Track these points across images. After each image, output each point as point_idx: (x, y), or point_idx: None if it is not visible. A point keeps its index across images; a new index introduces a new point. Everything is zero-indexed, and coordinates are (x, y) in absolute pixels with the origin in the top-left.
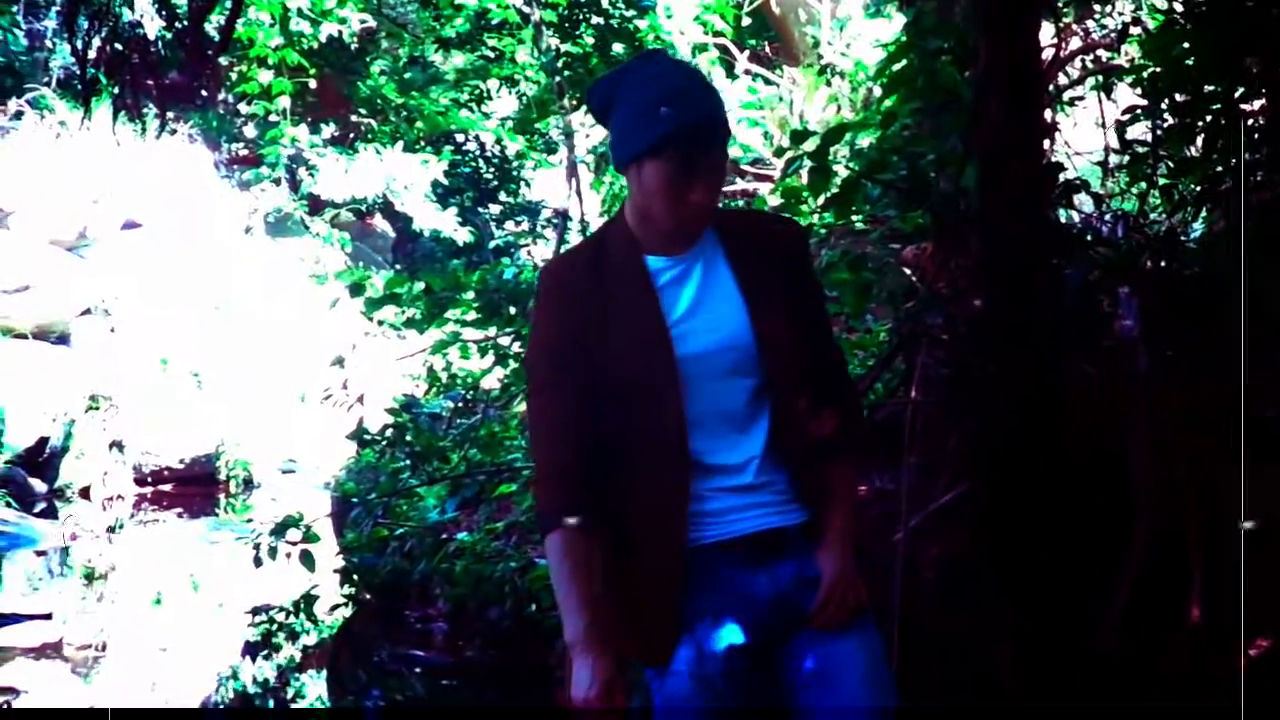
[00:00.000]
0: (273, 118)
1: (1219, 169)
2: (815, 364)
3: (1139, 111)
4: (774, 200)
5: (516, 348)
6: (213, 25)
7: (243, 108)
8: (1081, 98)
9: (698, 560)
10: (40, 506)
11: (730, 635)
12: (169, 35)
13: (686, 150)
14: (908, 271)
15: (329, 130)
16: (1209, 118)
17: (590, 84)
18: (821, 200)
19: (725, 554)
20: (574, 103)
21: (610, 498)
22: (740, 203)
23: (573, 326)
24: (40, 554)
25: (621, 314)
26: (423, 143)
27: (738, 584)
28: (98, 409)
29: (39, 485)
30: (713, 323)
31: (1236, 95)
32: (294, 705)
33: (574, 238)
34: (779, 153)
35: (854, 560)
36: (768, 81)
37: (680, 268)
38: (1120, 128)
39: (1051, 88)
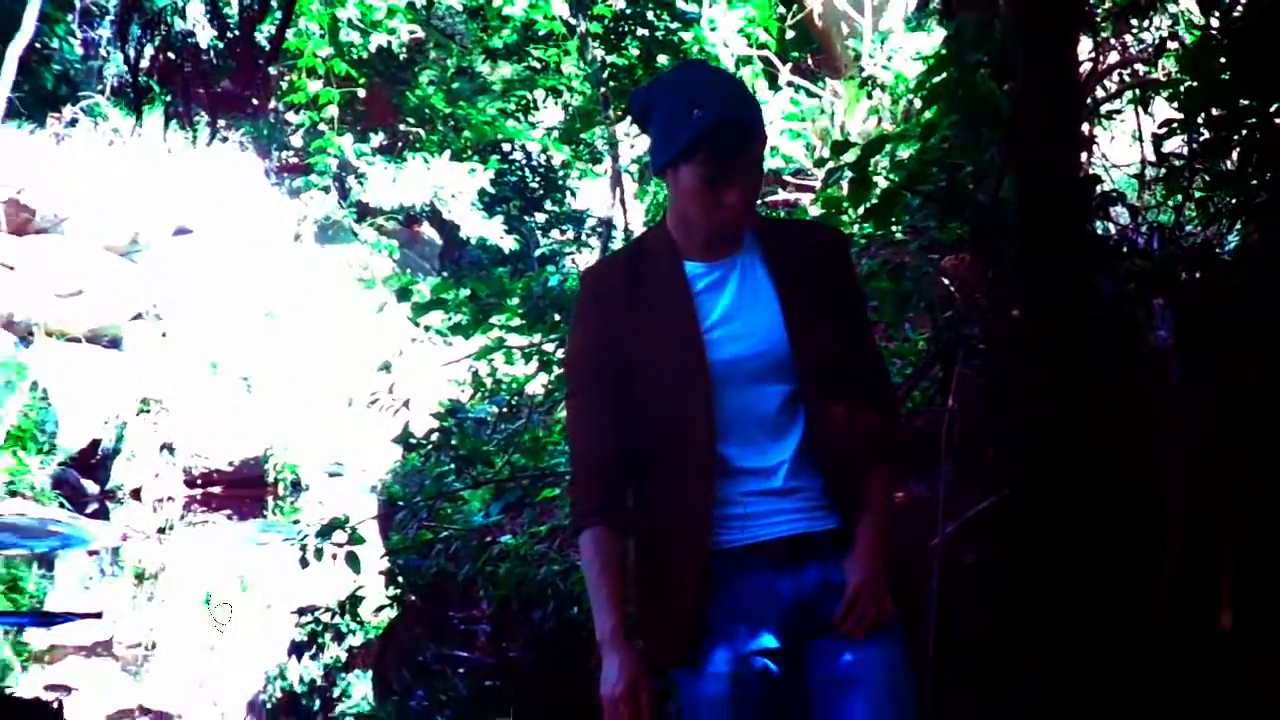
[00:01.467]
0: (321, 126)
1: (1254, 183)
2: (853, 371)
3: (1175, 125)
4: (815, 210)
5: (560, 354)
6: (263, 35)
7: (292, 116)
8: (1119, 111)
9: (724, 563)
10: (92, 507)
11: (761, 637)
12: (220, 44)
13: (719, 152)
14: (946, 281)
15: (377, 139)
16: (1244, 132)
17: (631, 96)
18: (862, 210)
19: (751, 557)
20: (619, 113)
21: (642, 498)
22: (782, 212)
23: (609, 330)
24: (92, 554)
25: (657, 318)
26: (470, 152)
27: (763, 587)
28: (149, 412)
29: (91, 487)
30: (747, 328)
31: (1272, 110)
32: (339, 704)
33: (617, 246)
34: (820, 163)
35: (883, 570)
36: (810, 94)
37: (718, 273)
38: (1157, 141)
39: (1089, 101)
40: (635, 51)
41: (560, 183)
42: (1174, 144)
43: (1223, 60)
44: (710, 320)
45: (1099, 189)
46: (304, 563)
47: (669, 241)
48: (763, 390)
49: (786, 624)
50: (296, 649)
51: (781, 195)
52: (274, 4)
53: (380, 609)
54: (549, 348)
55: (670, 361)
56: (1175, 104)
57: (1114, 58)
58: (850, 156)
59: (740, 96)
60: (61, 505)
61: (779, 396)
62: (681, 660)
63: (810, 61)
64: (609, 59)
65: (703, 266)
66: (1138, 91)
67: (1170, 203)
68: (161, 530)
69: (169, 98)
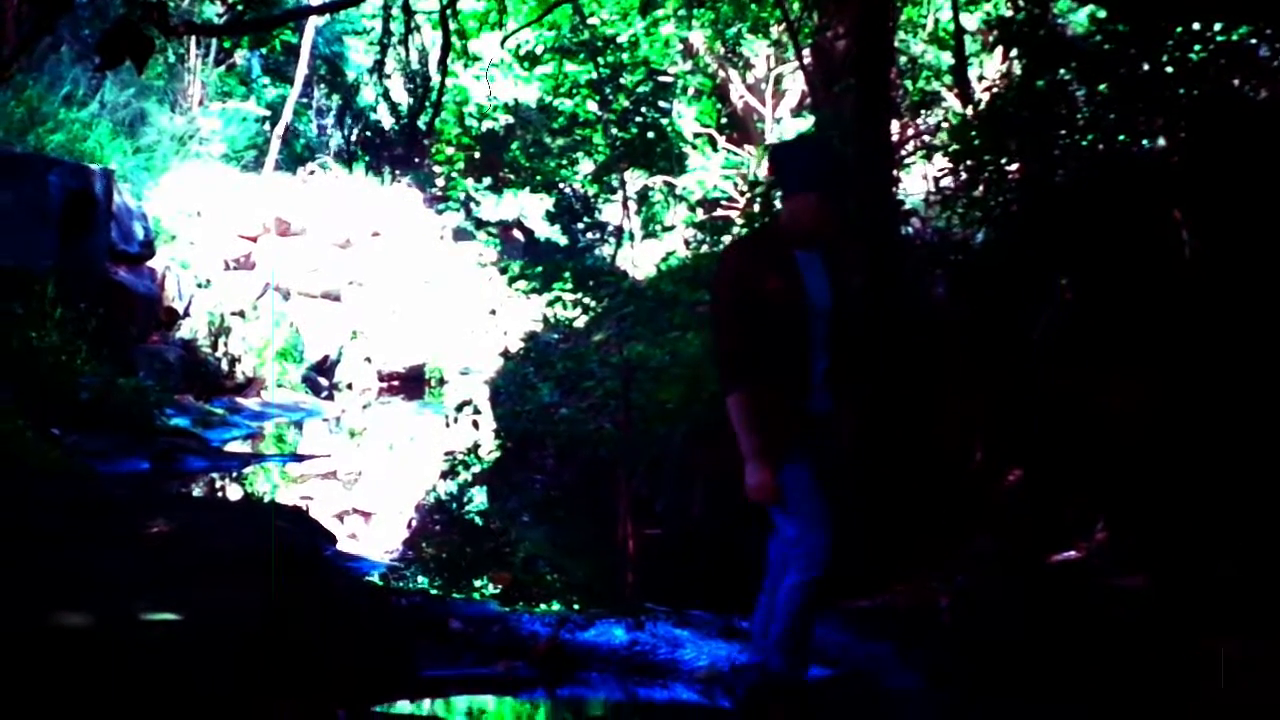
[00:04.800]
0: (454, 174)
1: (991, 204)
2: (846, 323)
3: (946, 171)
4: (739, 219)
5: (592, 304)
6: (421, 122)
7: (437, 168)
8: (915, 162)
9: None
10: (325, 394)
11: (811, 451)
12: (396, 128)
13: (833, 189)
14: None
15: (487, 181)
16: (985, 174)
17: (772, 148)
18: (767, 219)
19: (814, 418)
20: (624, 165)
21: (766, 378)
22: (724, 225)
23: (745, 281)
24: (325, 420)
25: (781, 281)
26: (540, 188)
27: (812, 433)
28: (356, 339)
29: (324, 382)
30: (822, 293)
31: (1002, 161)
32: (468, 506)
33: (625, 243)
34: (743, 194)
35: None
36: (735, 154)
37: (808, 258)
38: (936, 180)
39: (897, 156)
40: (635, 130)
41: (592, 205)
42: (946, 181)
43: (973, 134)
44: (807, 285)
45: (903, 208)
46: (447, 424)
47: (782, 236)
48: (822, 327)
49: (815, 449)
50: (443, 474)
51: (721, 211)
52: (428, 105)
53: (491, 451)
54: (588, 301)
55: (791, 307)
56: (946, 158)
57: (910, 132)
58: (759, 190)
59: (844, 166)
60: (308, 392)
61: (824, 330)
62: (788, 460)
63: (735, 135)
64: (619, 135)
65: (802, 254)
66: (925, 151)
67: (944, 216)
68: (364, 407)
69: (367, 158)
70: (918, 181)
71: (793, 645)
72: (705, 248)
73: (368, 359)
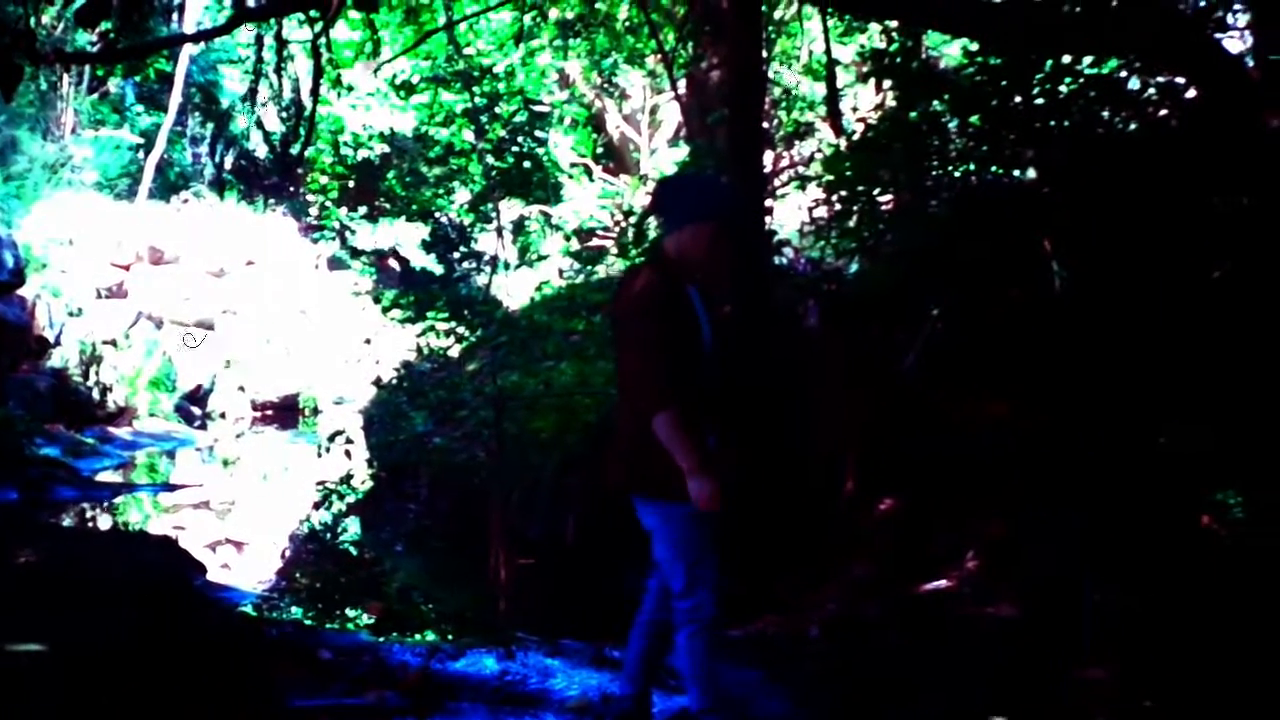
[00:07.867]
0: (328, 203)
1: (864, 234)
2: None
3: (820, 201)
4: (614, 249)
5: (466, 333)
6: (295, 150)
7: (312, 197)
8: (789, 192)
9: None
10: (198, 423)
11: None
12: (270, 157)
13: (727, 219)
14: None
15: (362, 210)
16: (857, 206)
17: (658, 182)
18: (643, 248)
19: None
20: (500, 194)
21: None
22: (599, 254)
23: (669, 306)
24: (197, 450)
25: (687, 313)
26: (416, 217)
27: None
28: (230, 368)
29: (198, 411)
30: (706, 326)
31: (875, 192)
32: (341, 536)
33: (500, 273)
34: (618, 224)
35: None
36: (611, 183)
37: (693, 293)
38: (810, 210)
39: (771, 187)
40: (511, 159)
41: (468, 235)
42: (820, 212)
43: (846, 164)
44: (700, 319)
45: (776, 238)
46: (319, 455)
47: (678, 271)
48: (708, 362)
49: None
50: (316, 505)
51: (596, 241)
52: (301, 132)
53: (364, 481)
54: (461, 330)
55: (695, 342)
56: (820, 188)
57: (785, 162)
58: (634, 219)
59: (735, 199)
60: (180, 422)
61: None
62: (684, 498)
63: (612, 165)
64: (495, 164)
65: (693, 290)
66: (799, 181)
67: (818, 245)
68: (238, 436)
69: (242, 187)
70: (792, 212)
71: (708, 680)
72: (580, 277)
73: (241, 388)
